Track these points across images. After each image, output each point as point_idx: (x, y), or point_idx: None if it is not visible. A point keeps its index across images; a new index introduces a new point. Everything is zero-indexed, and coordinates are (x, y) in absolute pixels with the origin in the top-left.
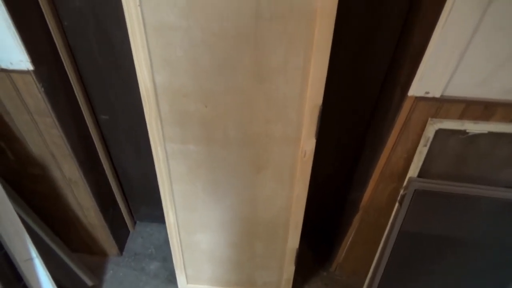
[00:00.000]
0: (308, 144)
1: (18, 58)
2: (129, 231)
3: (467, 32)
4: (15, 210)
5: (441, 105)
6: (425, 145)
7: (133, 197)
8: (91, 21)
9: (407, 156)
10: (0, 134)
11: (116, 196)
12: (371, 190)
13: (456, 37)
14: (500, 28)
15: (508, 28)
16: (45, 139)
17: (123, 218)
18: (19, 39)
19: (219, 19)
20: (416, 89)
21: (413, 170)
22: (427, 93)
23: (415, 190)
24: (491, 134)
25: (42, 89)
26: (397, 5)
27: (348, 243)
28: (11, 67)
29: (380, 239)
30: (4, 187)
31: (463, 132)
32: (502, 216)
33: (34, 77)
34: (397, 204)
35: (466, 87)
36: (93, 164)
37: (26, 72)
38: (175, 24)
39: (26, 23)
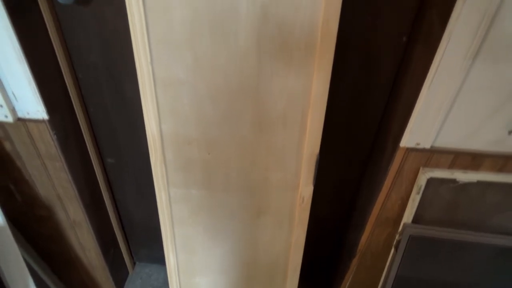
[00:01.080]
0: (306, 191)
1: (35, 109)
2: (128, 272)
3: (452, 90)
4: (20, 253)
5: (432, 156)
6: (418, 193)
7: (134, 238)
8: (104, 74)
9: (401, 202)
10: (11, 177)
11: (117, 237)
12: (368, 235)
13: (442, 95)
14: (482, 88)
15: (489, 88)
16: (53, 182)
17: (123, 259)
18: (37, 93)
19: (223, 75)
20: (407, 140)
21: (407, 216)
22: (418, 144)
23: (410, 236)
24: (480, 183)
25: (55, 136)
26: (387, 65)
27: (346, 286)
28: (27, 116)
29: (378, 283)
30: (12, 231)
31: (454, 181)
32: (495, 261)
33: (48, 126)
34: (393, 249)
35: (454, 139)
36: (97, 206)
37: (41, 121)
38: (183, 79)
39: (45, 77)
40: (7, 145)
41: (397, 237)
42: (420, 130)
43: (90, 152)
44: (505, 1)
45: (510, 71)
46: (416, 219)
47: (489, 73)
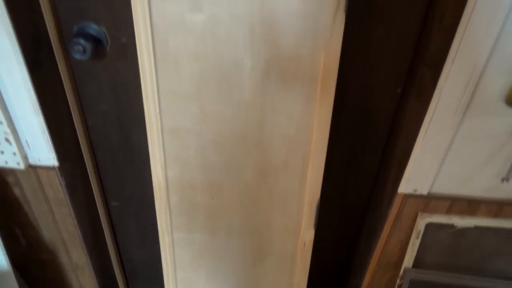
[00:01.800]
0: (307, 235)
1: (47, 156)
2: None
3: (445, 141)
4: None
5: (429, 201)
6: (417, 238)
7: (134, 281)
8: (113, 122)
9: (401, 246)
10: (18, 222)
11: (118, 281)
12: (369, 279)
13: (436, 144)
14: (473, 139)
15: (480, 139)
16: (59, 227)
17: None
18: (50, 141)
19: (228, 125)
20: (404, 187)
21: (408, 260)
22: (415, 190)
23: (410, 280)
24: (477, 228)
25: (63, 182)
26: (384, 114)
27: None
28: (38, 163)
29: None
30: (16, 277)
31: (452, 226)
32: None
33: (57, 172)
34: None
35: (450, 186)
36: (99, 249)
37: (52, 168)
38: (189, 128)
39: (57, 126)
40: (17, 191)
41: (398, 281)
42: (416, 177)
43: (95, 196)
44: (490, 60)
45: (498, 125)
46: (417, 263)
47: (479, 126)
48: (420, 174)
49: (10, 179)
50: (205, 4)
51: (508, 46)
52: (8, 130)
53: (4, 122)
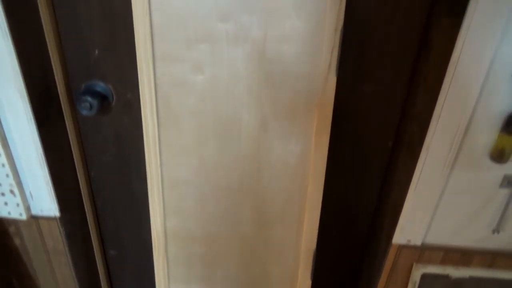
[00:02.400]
0: (304, 285)
1: (49, 207)
2: None
3: (436, 193)
4: None
5: (423, 252)
6: None
7: None
8: (115, 173)
9: None
10: (16, 272)
11: None
12: None
13: (427, 196)
14: (462, 191)
15: (469, 192)
16: (56, 278)
17: None
18: (53, 192)
19: (226, 176)
20: (398, 238)
21: None
22: (409, 241)
23: None
24: (472, 278)
25: (64, 232)
26: (376, 166)
27: None
28: (40, 214)
29: None
30: None
31: (447, 276)
32: None
33: (58, 222)
34: None
35: (443, 236)
36: None
37: (53, 218)
38: (188, 180)
39: (61, 178)
40: (17, 241)
41: None
42: (410, 228)
43: (94, 245)
44: (473, 118)
45: (486, 178)
46: None
47: (467, 179)
48: (413, 225)
49: (11, 229)
50: (206, 66)
51: (489, 105)
52: (13, 182)
53: (11, 175)
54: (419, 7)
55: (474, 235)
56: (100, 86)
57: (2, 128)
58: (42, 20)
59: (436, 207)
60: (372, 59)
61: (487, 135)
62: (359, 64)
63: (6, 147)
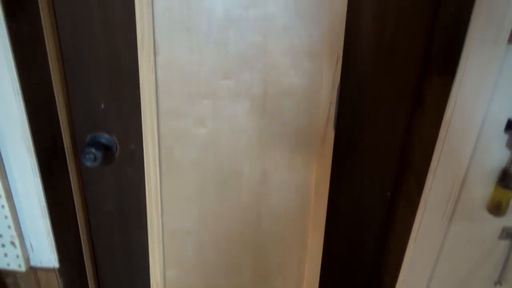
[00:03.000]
0: None
1: (48, 258)
2: None
3: (435, 246)
4: None
5: None
6: None
7: None
8: (116, 222)
9: None
10: None
11: None
12: None
13: (427, 249)
14: (461, 244)
15: (468, 244)
16: None
17: None
18: (53, 243)
19: (226, 226)
20: None
21: None
22: None
23: None
24: None
25: (62, 283)
26: (376, 217)
27: None
28: (39, 265)
29: None
30: None
31: None
32: None
33: (57, 273)
34: None
35: None
36: None
37: (52, 269)
38: (189, 230)
39: (61, 228)
40: None
41: None
42: (410, 282)
43: None
44: (469, 172)
45: (484, 230)
46: None
47: (466, 232)
48: (414, 279)
49: (9, 280)
50: (208, 120)
51: (483, 160)
52: (14, 234)
53: (12, 227)
54: (412, 65)
55: (476, 287)
56: (105, 137)
57: (8, 181)
58: (52, 77)
59: (436, 259)
60: (369, 113)
61: (483, 188)
62: (357, 118)
63: (10, 199)
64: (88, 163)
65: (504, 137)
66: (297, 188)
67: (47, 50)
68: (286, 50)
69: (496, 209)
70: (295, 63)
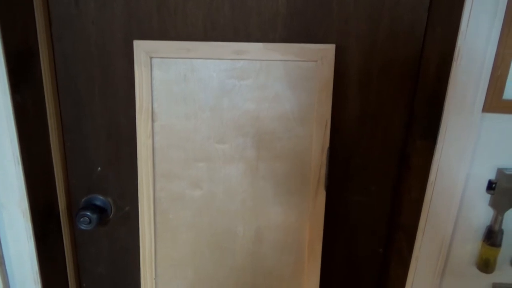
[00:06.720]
0: None
1: None
2: None
3: None
4: None
5: None
6: None
7: None
8: (108, 285)
9: None
10: None
11: None
12: None
13: None
14: None
15: None
16: None
17: None
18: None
19: (220, 287)
20: None
21: None
22: None
23: None
24: None
25: None
26: (369, 274)
27: None
28: None
29: None
30: None
31: None
32: None
33: None
34: None
35: None
36: None
37: None
38: None
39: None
40: None
41: None
42: None
43: None
44: (456, 231)
45: (475, 286)
46: None
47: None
48: None
49: None
50: (203, 182)
51: (469, 219)
52: None
53: None
54: (396, 129)
55: None
56: (100, 199)
57: (1, 246)
58: (52, 146)
59: None
60: (359, 174)
61: (471, 245)
62: (347, 178)
63: (2, 264)
64: (83, 227)
65: (488, 196)
66: (291, 246)
67: (48, 120)
68: (277, 116)
69: (484, 266)
70: (286, 128)
